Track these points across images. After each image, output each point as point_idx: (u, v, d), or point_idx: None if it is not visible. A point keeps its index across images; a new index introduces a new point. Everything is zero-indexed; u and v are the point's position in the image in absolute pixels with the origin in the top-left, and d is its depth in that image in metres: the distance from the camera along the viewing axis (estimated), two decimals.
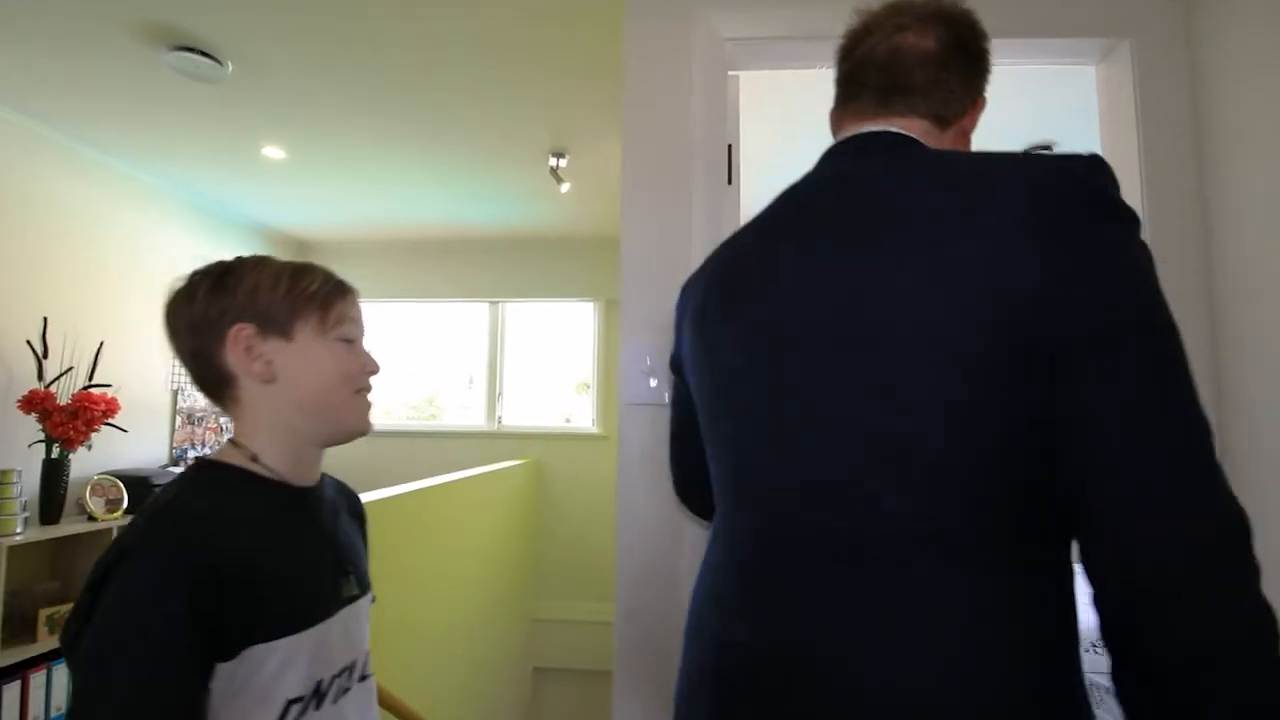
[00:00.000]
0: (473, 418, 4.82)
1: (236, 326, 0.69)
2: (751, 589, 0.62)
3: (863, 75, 0.70)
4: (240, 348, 0.69)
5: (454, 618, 2.85)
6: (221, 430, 4.03)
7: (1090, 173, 0.53)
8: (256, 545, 0.65)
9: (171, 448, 3.68)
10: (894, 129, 0.67)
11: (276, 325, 0.70)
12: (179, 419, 3.74)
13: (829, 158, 0.72)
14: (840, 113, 0.74)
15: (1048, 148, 3.11)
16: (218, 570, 0.60)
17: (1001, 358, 0.50)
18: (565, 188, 3.16)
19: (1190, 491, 0.46)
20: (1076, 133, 2.84)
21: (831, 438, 0.57)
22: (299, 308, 0.72)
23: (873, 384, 0.54)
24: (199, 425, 3.88)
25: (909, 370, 0.53)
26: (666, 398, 1.20)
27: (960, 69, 0.69)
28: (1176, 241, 1.28)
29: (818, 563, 0.56)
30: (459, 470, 3.35)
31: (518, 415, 4.73)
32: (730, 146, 1.40)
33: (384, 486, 2.41)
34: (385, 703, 1.27)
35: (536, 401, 4.75)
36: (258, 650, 0.62)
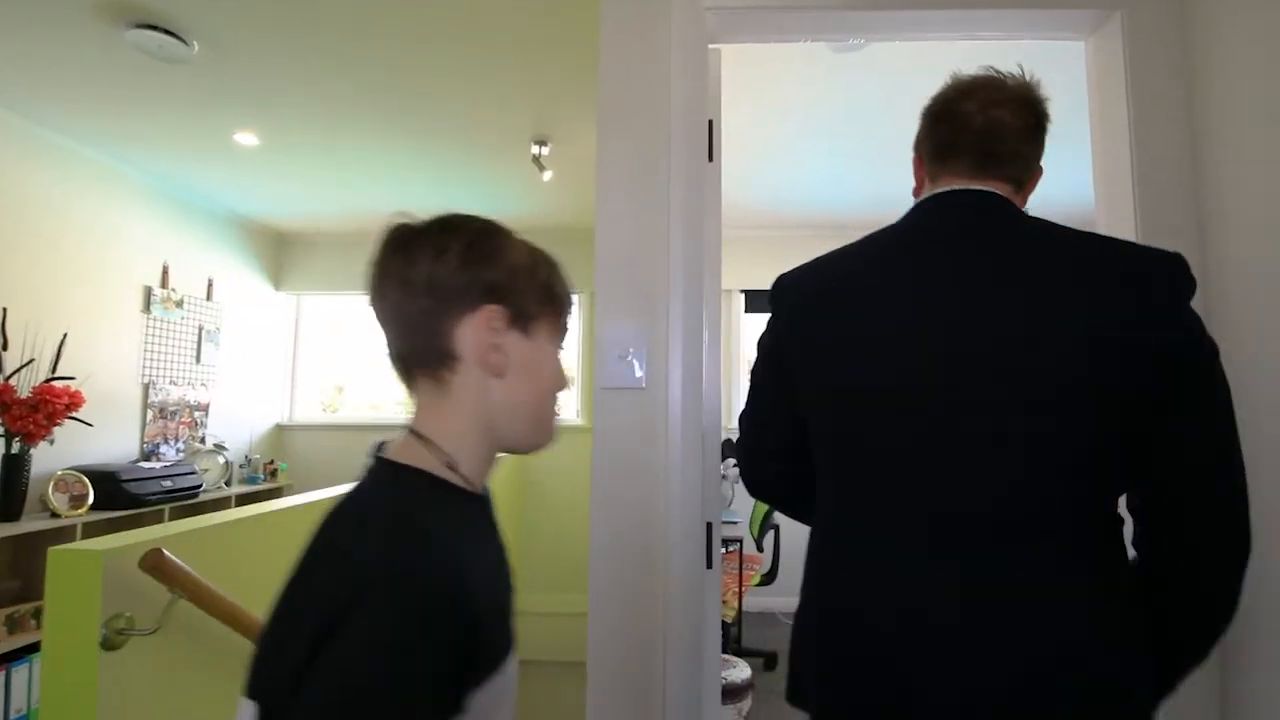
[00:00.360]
0: None
1: (490, 307, 0.59)
2: (922, 570, 0.71)
3: (962, 138, 0.83)
4: (485, 330, 0.59)
5: None
6: (196, 425, 3.94)
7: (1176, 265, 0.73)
8: (478, 571, 0.54)
9: (142, 443, 3.58)
10: (990, 189, 0.81)
11: (523, 318, 0.62)
12: (150, 413, 3.65)
13: (939, 205, 0.83)
14: (936, 168, 0.86)
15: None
16: (468, 604, 0.49)
17: (1113, 384, 0.69)
18: (547, 176, 3.10)
19: (1232, 496, 0.70)
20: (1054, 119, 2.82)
21: (995, 447, 0.70)
22: (544, 305, 0.63)
23: (1030, 400, 0.69)
24: (172, 419, 3.78)
25: (1054, 394, 0.69)
26: (639, 377, 1.16)
27: (1037, 144, 0.85)
28: (1168, 223, 1.24)
29: (983, 545, 0.69)
30: None
31: None
32: (711, 122, 1.34)
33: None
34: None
35: None
36: (480, 696, 0.51)
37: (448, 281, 0.59)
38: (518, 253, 0.63)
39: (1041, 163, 0.87)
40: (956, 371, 0.71)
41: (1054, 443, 0.68)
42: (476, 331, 0.59)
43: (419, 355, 0.60)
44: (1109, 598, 0.69)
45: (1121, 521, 0.73)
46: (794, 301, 0.89)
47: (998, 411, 0.70)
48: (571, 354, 4.52)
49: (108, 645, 1.07)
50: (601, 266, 1.21)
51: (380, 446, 0.62)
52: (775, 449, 0.93)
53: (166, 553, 1.11)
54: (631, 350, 1.18)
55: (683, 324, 1.19)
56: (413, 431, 0.60)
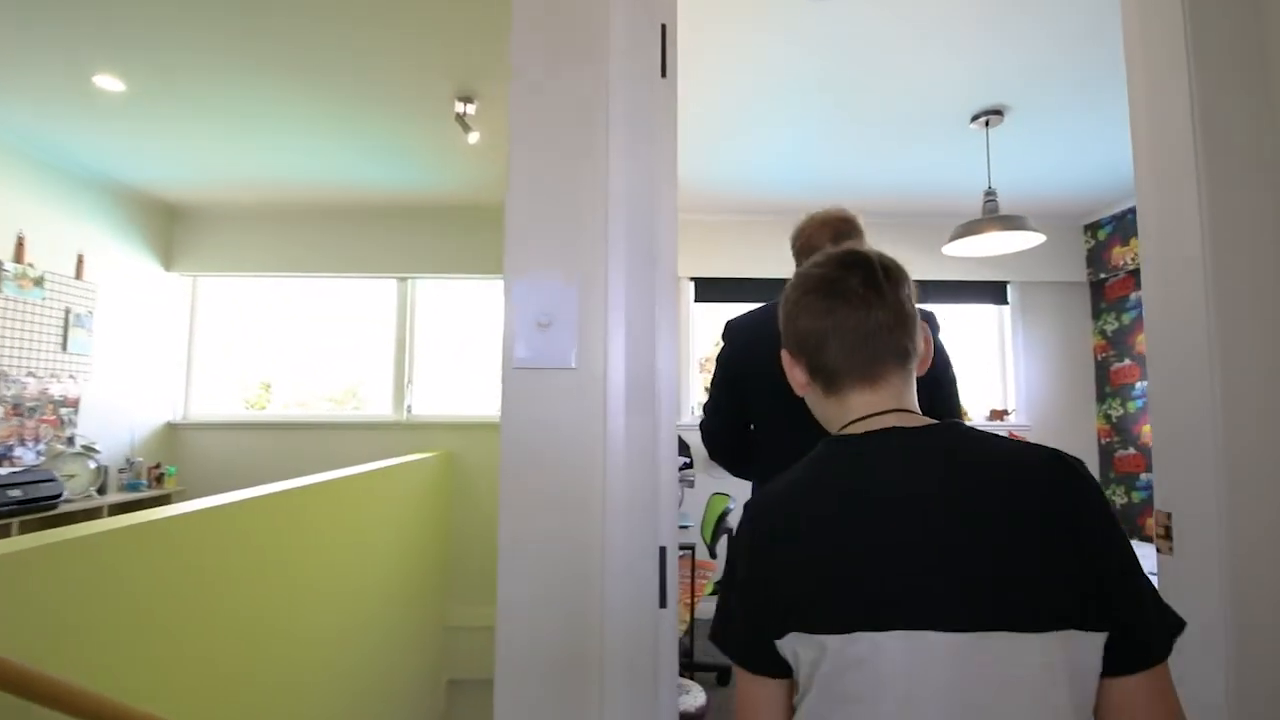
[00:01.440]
0: (378, 407, 4.31)
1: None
2: None
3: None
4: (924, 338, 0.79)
5: (349, 624, 2.45)
6: (62, 424, 3.39)
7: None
8: None
9: None
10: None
11: None
12: (2, 409, 3.09)
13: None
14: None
15: (993, 196, 2.93)
16: None
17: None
18: (474, 138, 2.73)
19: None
20: (1024, 93, 2.65)
21: None
22: None
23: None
24: (30, 417, 3.23)
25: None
26: (568, 353, 0.84)
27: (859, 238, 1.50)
28: (1241, 202, 1.01)
29: None
30: (361, 465, 2.90)
31: (429, 404, 4.26)
32: (664, 27, 1.04)
33: (271, 483, 2.06)
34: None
35: (450, 389, 4.29)
36: None
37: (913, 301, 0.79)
38: None
39: None
40: None
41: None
42: (922, 339, 0.78)
43: (911, 346, 0.76)
44: None
45: None
46: (743, 341, 1.53)
47: None
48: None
49: None
50: (515, 197, 0.88)
51: (950, 425, 0.72)
52: (732, 425, 1.55)
53: None
54: (557, 316, 0.86)
55: (628, 283, 0.88)
56: (906, 407, 0.75)
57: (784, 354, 0.81)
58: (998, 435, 0.70)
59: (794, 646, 0.64)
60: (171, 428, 4.16)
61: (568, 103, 0.93)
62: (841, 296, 0.74)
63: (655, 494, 0.91)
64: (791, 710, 0.67)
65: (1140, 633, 0.60)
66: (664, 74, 1.03)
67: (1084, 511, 0.62)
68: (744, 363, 1.50)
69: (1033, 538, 0.61)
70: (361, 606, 2.64)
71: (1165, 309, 1.08)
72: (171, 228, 4.17)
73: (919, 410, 0.75)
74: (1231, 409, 0.98)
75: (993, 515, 0.62)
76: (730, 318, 1.57)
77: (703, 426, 1.63)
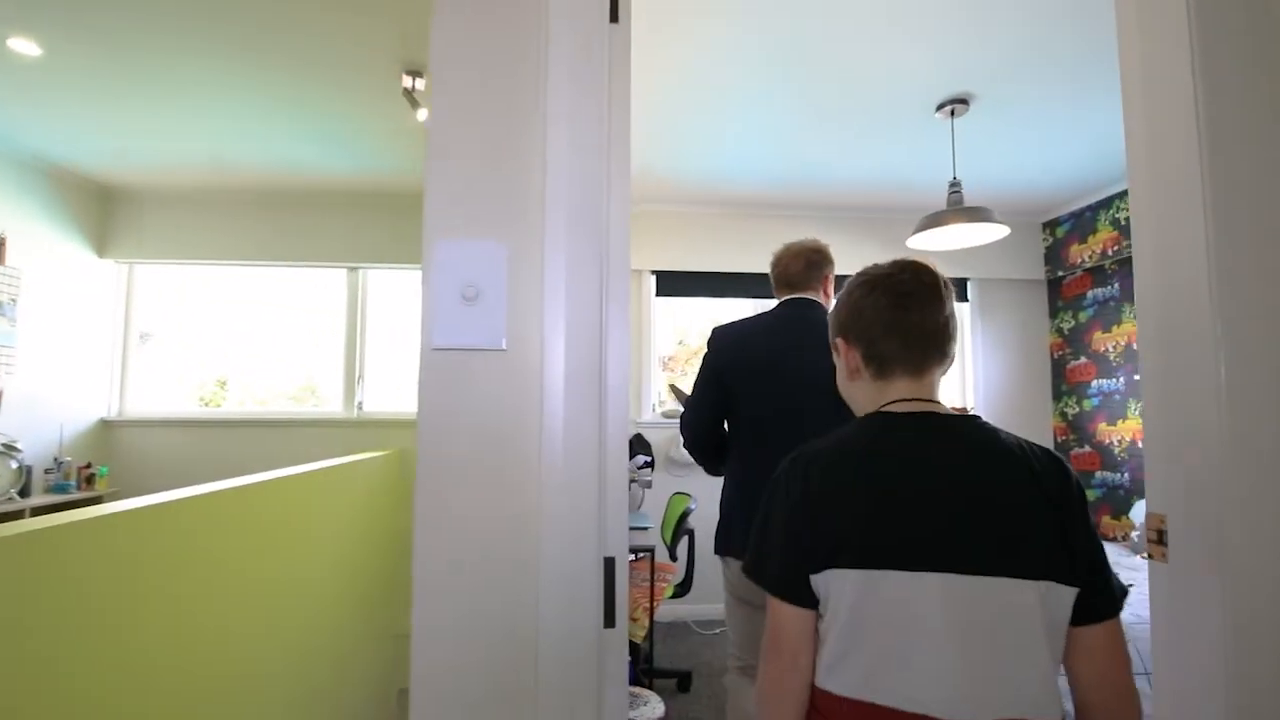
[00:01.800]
0: (331, 404, 4.11)
1: None
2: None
3: (774, 275, 1.89)
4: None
5: (294, 632, 2.29)
6: None
7: None
8: None
9: None
10: (807, 297, 1.79)
11: None
12: None
13: (789, 306, 1.81)
14: (783, 292, 1.86)
15: (957, 187, 2.87)
16: None
17: None
18: (423, 114, 2.58)
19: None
20: (989, 83, 2.61)
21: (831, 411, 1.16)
22: None
23: (813, 385, 1.56)
24: None
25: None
26: (497, 332, 0.72)
27: (816, 273, 1.82)
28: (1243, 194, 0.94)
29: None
30: (307, 464, 2.72)
31: (383, 401, 4.07)
32: None
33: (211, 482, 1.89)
34: None
35: (404, 385, 4.11)
36: None
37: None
38: None
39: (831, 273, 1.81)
40: (794, 381, 1.53)
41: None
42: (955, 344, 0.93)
43: (951, 346, 0.90)
44: None
45: None
46: (728, 345, 1.77)
47: (817, 393, 1.35)
48: None
49: None
50: (438, 150, 0.75)
51: (970, 417, 0.87)
52: (712, 420, 1.78)
53: None
54: (485, 288, 0.73)
55: (570, 254, 0.76)
56: (935, 400, 0.89)
57: (838, 341, 0.95)
58: (1004, 430, 0.85)
59: (829, 581, 0.78)
60: (105, 425, 3.90)
61: (498, 45, 0.80)
62: (911, 297, 0.88)
63: (600, 499, 0.80)
64: (815, 635, 0.81)
65: (1101, 591, 0.78)
66: (614, 18, 0.91)
67: (1068, 494, 0.79)
68: (729, 364, 1.73)
69: (1028, 508, 0.78)
70: (307, 614, 2.48)
71: (1163, 297, 1.00)
72: (105, 211, 3.91)
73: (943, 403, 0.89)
74: (1238, 404, 0.90)
75: (1001, 488, 0.79)
76: (716, 325, 1.84)
77: (683, 420, 1.86)
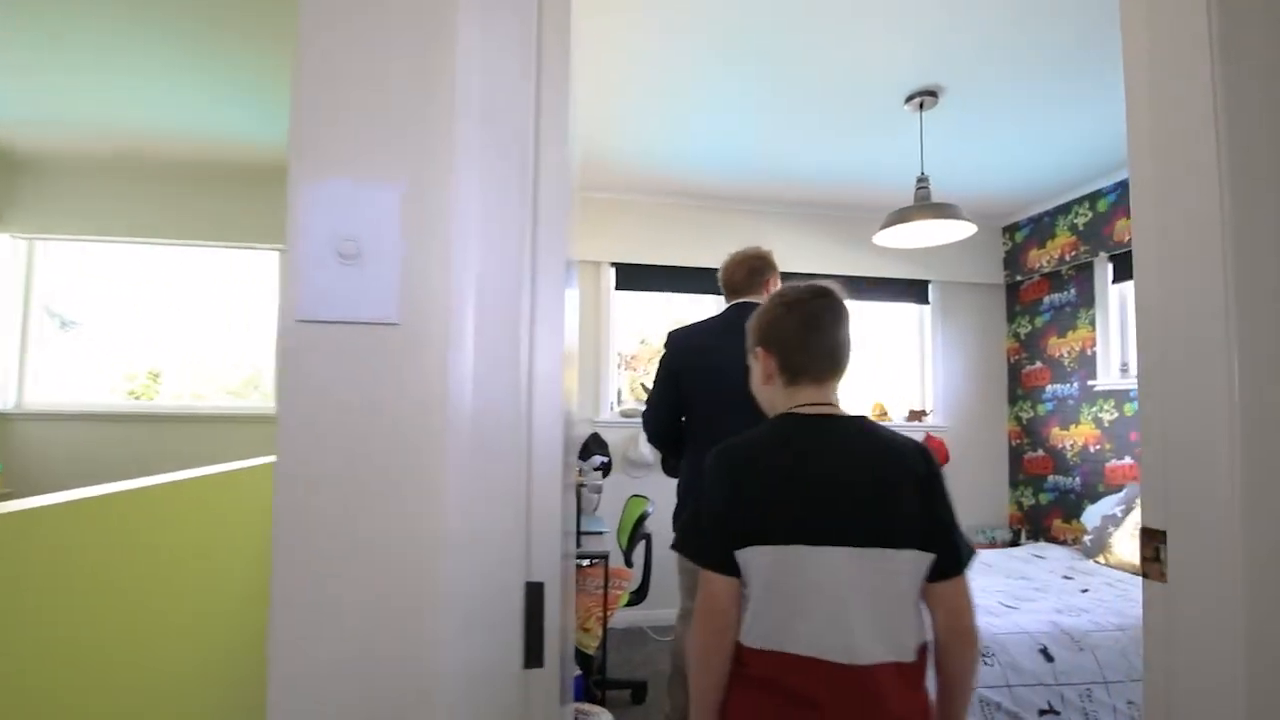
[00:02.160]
0: (273, 399, 3.83)
1: None
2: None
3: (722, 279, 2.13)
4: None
5: (200, 652, 2.04)
6: None
7: None
8: None
9: None
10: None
11: None
12: None
13: (737, 310, 1.93)
14: (731, 297, 2.11)
15: (924, 183, 2.80)
16: None
17: None
18: None
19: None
20: (960, 78, 2.53)
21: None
22: None
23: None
24: None
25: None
26: (387, 301, 0.55)
27: (758, 279, 2.04)
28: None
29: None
30: (205, 466, 2.46)
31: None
32: None
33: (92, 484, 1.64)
34: None
35: None
36: None
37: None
38: None
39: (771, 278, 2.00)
40: (740, 380, 1.22)
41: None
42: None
43: (847, 363, 1.09)
44: None
45: None
46: (681, 347, 2.02)
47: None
48: None
49: None
50: (304, 52, 0.57)
51: (859, 418, 1.06)
52: (670, 418, 2.04)
53: None
54: (369, 243, 0.56)
55: (486, 197, 0.59)
56: (834, 404, 1.07)
57: (758, 350, 1.11)
58: (886, 426, 1.05)
59: (747, 556, 0.96)
60: (3, 419, 3.53)
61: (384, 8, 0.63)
62: (820, 318, 1.05)
63: (523, 511, 0.63)
64: (740, 598, 0.98)
65: (952, 554, 0.97)
66: None
67: (932, 480, 0.98)
68: (683, 366, 1.97)
69: (902, 491, 0.96)
70: (216, 633, 2.23)
71: (1167, 302, 0.89)
72: (2, 179, 3.54)
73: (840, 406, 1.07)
74: (1254, 416, 0.79)
75: (883, 475, 0.97)
76: (671, 329, 2.09)
77: (645, 416, 2.10)
